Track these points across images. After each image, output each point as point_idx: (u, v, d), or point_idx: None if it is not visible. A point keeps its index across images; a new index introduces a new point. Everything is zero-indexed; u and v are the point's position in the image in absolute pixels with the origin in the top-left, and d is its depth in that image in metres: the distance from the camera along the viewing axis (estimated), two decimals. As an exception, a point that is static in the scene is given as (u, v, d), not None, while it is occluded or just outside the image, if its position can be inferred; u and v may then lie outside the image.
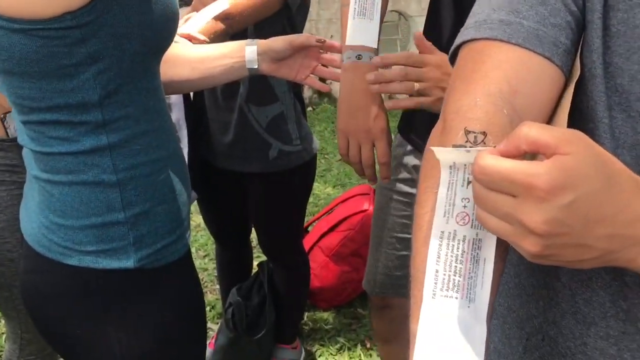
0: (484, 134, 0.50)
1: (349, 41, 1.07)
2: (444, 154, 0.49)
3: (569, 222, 0.41)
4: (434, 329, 0.50)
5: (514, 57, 0.55)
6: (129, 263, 0.86)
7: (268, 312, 1.87)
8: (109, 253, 0.85)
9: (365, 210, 2.20)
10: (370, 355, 2.03)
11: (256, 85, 1.51)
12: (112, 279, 0.86)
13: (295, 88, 1.60)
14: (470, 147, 0.49)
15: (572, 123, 0.57)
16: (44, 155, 0.84)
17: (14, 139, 1.24)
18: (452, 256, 0.50)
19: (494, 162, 0.42)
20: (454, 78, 0.58)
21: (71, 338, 0.90)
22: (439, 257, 0.50)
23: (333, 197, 3.14)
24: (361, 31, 1.07)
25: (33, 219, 0.89)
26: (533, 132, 0.41)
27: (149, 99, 0.86)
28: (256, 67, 1.12)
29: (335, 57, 1.15)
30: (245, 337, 1.84)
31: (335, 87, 4.33)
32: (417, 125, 1.29)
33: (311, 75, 1.18)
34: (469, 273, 0.50)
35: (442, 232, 0.50)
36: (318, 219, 2.40)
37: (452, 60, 0.61)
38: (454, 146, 0.51)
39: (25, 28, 0.73)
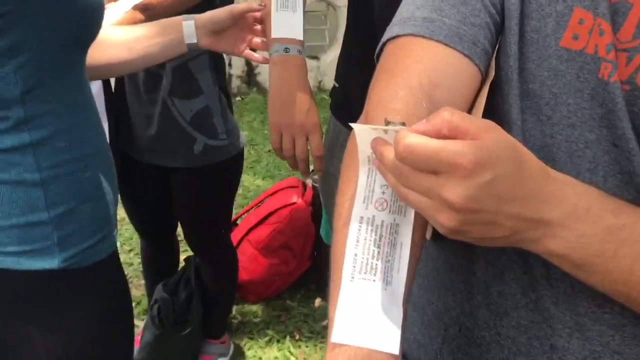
0: (403, 124, 0.52)
1: (274, 34, 1.07)
2: (364, 132, 0.49)
3: (485, 200, 0.44)
4: (352, 310, 0.51)
5: (435, 52, 0.57)
6: (53, 264, 0.83)
7: (195, 307, 1.84)
8: (31, 254, 0.82)
9: (294, 203, 2.21)
10: (299, 347, 2.05)
11: (180, 78, 1.48)
12: (36, 281, 0.83)
13: (220, 81, 1.58)
14: (389, 127, 0.49)
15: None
16: None
17: None
18: (370, 240, 0.52)
19: (421, 141, 0.43)
20: (377, 71, 0.60)
21: None
22: (357, 241, 0.52)
23: (263, 188, 3.13)
24: (286, 24, 1.07)
25: None
26: (455, 117, 0.43)
27: (73, 93, 0.83)
28: (195, 41, 1.11)
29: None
30: (172, 333, 1.81)
31: (263, 77, 4.34)
32: (351, 107, 1.31)
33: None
34: (387, 257, 0.52)
35: (362, 217, 0.52)
36: (247, 212, 2.39)
37: (378, 57, 0.63)
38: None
39: None
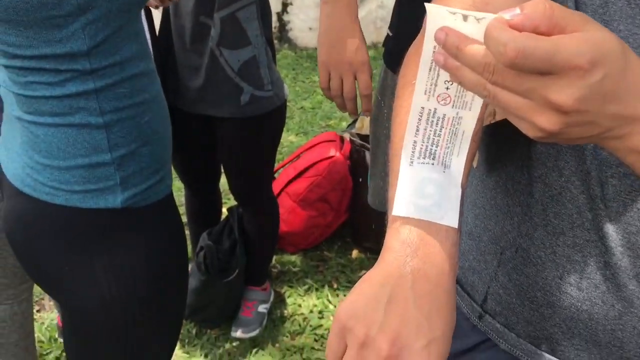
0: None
1: None
2: (438, 16, 0.43)
3: (592, 100, 0.41)
4: (412, 188, 0.52)
5: None
6: (116, 203, 0.87)
7: (239, 255, 1.91)
8: (96, 193, 0.87)
9: (332, 157, 2.24)
10: (337, 295, 2.11)
11: (228, 29, 1.50)
12: (99, 218, 0.88)
13: (267, 32, 1.59)
14: (472, 13, 0.43)
15: None
16: (27, 98, 0.83)
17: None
18: (430, 130, 0.51)
19: (534, 43, 0.39)
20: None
21: (59, 276, 0.92)
22: (417, 130, 0.51)
23: (296, 144, 3.16)
24: None
25: (15, 159, 0.89)
26: (557, 11, 0.39)
27: (134, 44, 0.86)
28: None
29: None
30: (216, 279, 1.88)
31: (295, 33, 4.28)
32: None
33: None
34: (447, 144, 0.52)
35: (422, 108, 0.50)
36: (285, 165, 2.43)
37: None
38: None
39: None
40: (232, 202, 2.03)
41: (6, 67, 0.82)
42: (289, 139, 3.26)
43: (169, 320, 1.01)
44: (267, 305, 2.01)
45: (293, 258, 2.30)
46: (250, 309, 1.96)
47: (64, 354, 1.84)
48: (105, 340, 0.93)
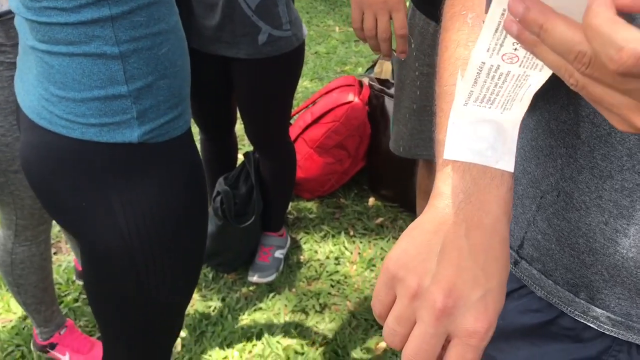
0: None
1: None
2: None
3: None
4: (464, 130, 0.48)
5: None
6: (132, 137, 0.85)
7: (255, 201, 1.89)
8: (112, 127, 0.84)
9: (350, 102, 2.19)
10: (354, 242, 2.10)
11: (245, -37, 1.43)
12: (116, 152, 0.85)
13: (285, -32, 1.52)
14: None
15: None
16: (41, 25, 0.79)
17: (-2, 15, 1.16)
18: (491, 83, 0.46)
19: None
20: None
21: (76, 210, 0.91)
22: (475, 83, 0.46)
23: (311, 90, 3.10)
24: None
25: (31, 91, 0.86)
26: None
27: None
28: None
29: None
30: (233, 224, 1.87)
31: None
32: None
33: None
34: (509, 93, 0.47)
35: (483, 63, 0.44)
36: (301, 110, 2.38)
37: None
38: None
39: None
40: (248, 148, 1.99)
41: None
42: (303, 85, 3.20)
43: (189, 260, 0.99)
44: (283, 251, 2.01)
45: (309, 205, 2.28)
46: (267, 254, 1.96)
47: (82, 295, 1.86)
48: (124, 277, 0.92)
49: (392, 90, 2.19)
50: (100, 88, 0.82)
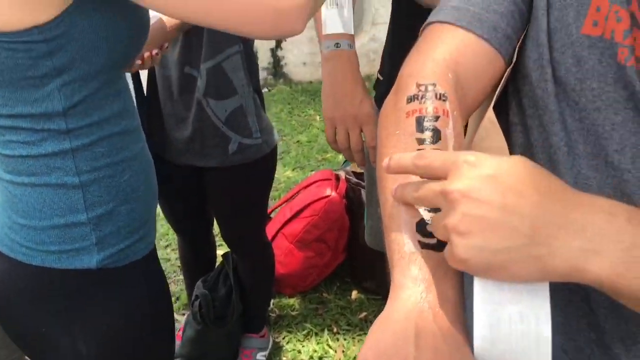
0: (434, 84, 0.57)
1: (325, 31, 1.10)
2: None
3: None
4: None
5: (458, 36, 0.64)
6: (91, 263, 0.85)
7: (235, 302, 1.87)
8: (71, 253, 0.85)
9: (328, 196, 2.22)
10: (337, 340, 2.06)
11: (214, 79, 1.49)
12: (75, 279, 0.86)
13: (254, 81, 1.58)
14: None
15: (526, 110, 0.66)
16: (5, 157, 0.82)
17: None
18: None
19: None
20: (410, 52, 0.67)
21: (37, 337, 0.90)
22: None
23: (293, 180, 3.14)
24: (335, 20, 1.09)
25: None
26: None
27: (115, 103, 0.84)
28: None
29: None
30: (213, 328, 1.84)
31: (289, 68, 4.31)
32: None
33: None
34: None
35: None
36: (280, 205, 2.40)
37: None
38: (408, 98, 0.58)
39: None
40: (227, 248, 2.00)
41: None
42: (285, 175, 3.25)
43: None
44: (265, 353, 1.96)
45: (291, 301, 2.25)
46: (248, 357, 1.92)
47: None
48: None
49: (368, 182, 2.23)
50: (60, 216, 0.83)
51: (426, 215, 0.52)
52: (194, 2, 0.71)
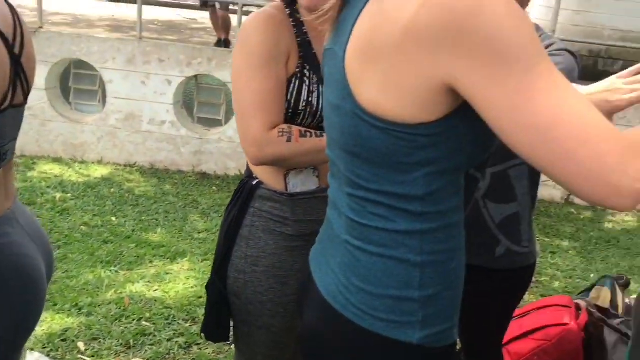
0: None
1: None
2: None
3: None
4: None
5: None
6: (413, 338, 0.92)
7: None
8: (397, 325, 0.92)
9: (567, 325, 2.10)
10: None
11: (498, 183, 1.56)
12: (394, 349, 0.93)
13: (533, 191, 1.62)
14: None
15: None
16: (360, 225, 0.95)
17: (292, 194, 1.41)
18: None
19: None
20: None
21: None
22: None
23: (526, 300, 3.02)
24: None
25: (330, 275, 1.00)
26: None
27: (455, 197, 0.94)
28: None
29: None
30: None
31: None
32: None
33: None
34: None
35: None
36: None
37: None
38: None
39: (388, 128, 0.86)
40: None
41: (349, 195, 0.95)
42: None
43: None
44: None
45: None
46: None
47: None
48: None
49: (612, 321, 2.08)
50: (396, 289, 0.92)
51: None
52: (545, 151, 0.77)
